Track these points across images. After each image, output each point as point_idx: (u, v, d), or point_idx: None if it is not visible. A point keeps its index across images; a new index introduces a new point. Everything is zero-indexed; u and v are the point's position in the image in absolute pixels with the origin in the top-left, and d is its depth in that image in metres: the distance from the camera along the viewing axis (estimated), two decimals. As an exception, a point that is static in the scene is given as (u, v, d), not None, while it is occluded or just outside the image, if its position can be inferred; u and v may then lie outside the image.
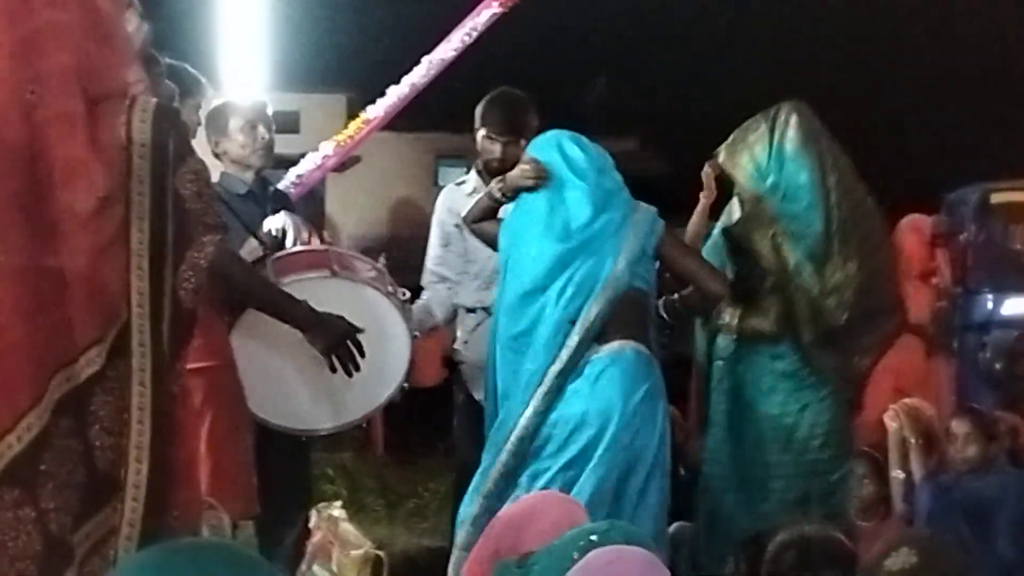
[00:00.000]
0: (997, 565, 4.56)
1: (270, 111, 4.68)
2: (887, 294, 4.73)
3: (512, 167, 4.37)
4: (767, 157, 4.55)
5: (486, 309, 4.85)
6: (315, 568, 3.91)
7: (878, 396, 5.23)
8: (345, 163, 6.41)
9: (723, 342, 4.76)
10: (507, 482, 4.07)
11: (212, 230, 2.58)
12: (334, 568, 3.82)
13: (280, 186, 5.58)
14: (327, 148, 6.55)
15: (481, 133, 4.89)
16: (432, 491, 7.09)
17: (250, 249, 4.21)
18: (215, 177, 4.01)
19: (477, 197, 4.77)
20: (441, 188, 5.33)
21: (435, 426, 6.71)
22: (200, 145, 3.71)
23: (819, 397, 4.51)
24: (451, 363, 5.02)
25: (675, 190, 6.50)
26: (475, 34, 6.57)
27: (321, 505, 4.42)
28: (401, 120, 7.10)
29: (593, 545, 2.49)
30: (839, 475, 4.58)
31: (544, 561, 2.59)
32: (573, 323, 4.05)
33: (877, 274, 4.61)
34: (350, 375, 3.65)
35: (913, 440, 5.04)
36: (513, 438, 4.04)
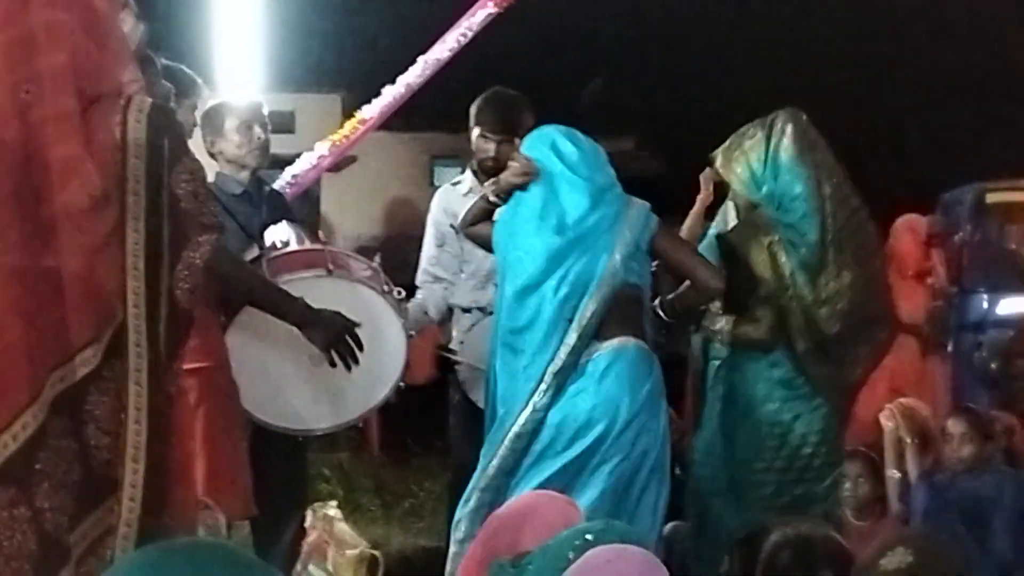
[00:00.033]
0: (993, 564, 4.57)
1: (266, 111, 4.68)
2: (880, 305, 4.72)
3: (507, 166, 4.38)
4: (762, 166, 4.54)
5: (482, 309, 4.86)
6: (311, 568, 3.90)
7: (874, 396, 5.24)
8: (340, 163, 6.41)
9: (718, 346, 4.76)
10: (505, 479, 4.07)
11: (208, 230, 2.58)
12: (330, 568, 3.82)
13: (275, 186, 5.59)
14: (322, 148, 6.55)
15: (475, 132, 4.89)
16: (428, 491, 7.09)
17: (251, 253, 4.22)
18: (211, 177, 4.02)
19: (472, 197, 4.77)
20: (436, 188, 5.33)
21: (431, 426, 6.71)
22: (196, 145, 3.71)
23: (812, 406, 4.50)
24: (443, 361, 5.01)
25: (672, 190, 6.50)
26: (470, 34, 6.57)
27: (317, 505, 4.42)
28: (397, 120, 7.10)
29: (588, 544, 2.49)
30: (829, 482, 4.57)
31: (539, 561, 2.59)
32: (570, 321, 4.05)
33: (871, 284, 4.60)
34: (349, 369, 3.68)
35: (909, 440, 5.06)
36: (511, 436, 4.04)
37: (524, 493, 3.55)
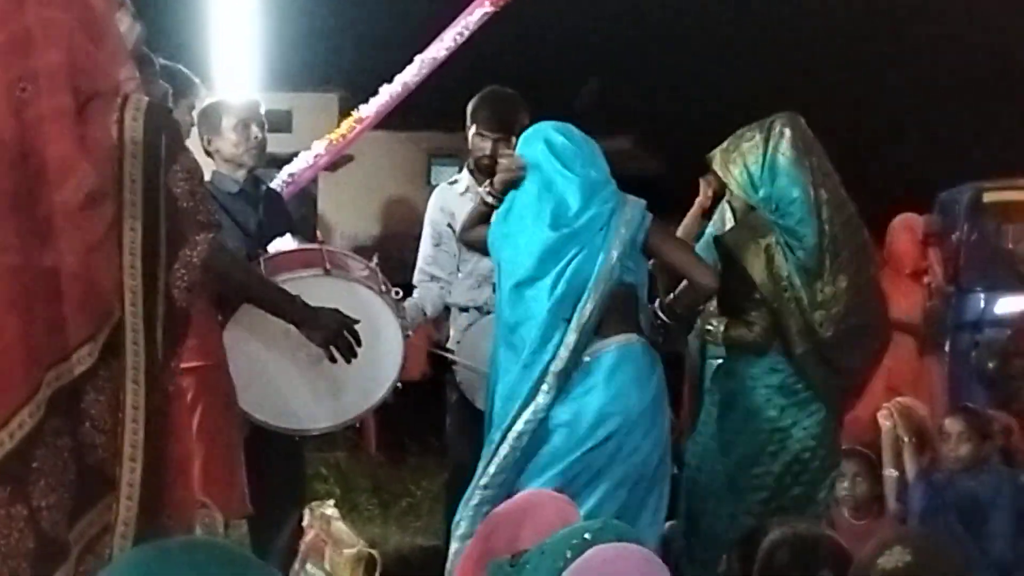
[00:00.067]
0: (990, 564, 4.57)
1: (263, 110, 4.67)
2: (874, 311, 4.71)
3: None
4: (760, 169, 4.54)
5: (479, 308, 4.85)
6: (308, 567, 3.91)
7: (871, 395, 5.23)
8: (337, 162, 6.41)
9: (716, 348, 4.75)
10: (512, 477, 4.05)
11: (205, 228, 2.58)
12: (327, 567, 3.82)
13: (272, 185, 5.58)
14: (319, 147, 6.54)
15: (472, 131, 4.89)
16: (425, 490, 7.09)
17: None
18: (207, 176, 4.02)
19: (470, 196, 4.77)
20: (434, 187, 5.33)
21: (428, 425, 6.71)
22: (193, 144, 3.71)
23: (811, 411, 4.49)
24: (439, 360, 5.01)
25: (670, 189, 6.51)
26: (467, 33, 6.56)
27: (314, 504, 4.43)
28: (394, 119, 7.09)
29: (587, 544, 2.49)
30: (824, 485, 4.57)
31: (536, 559, 2.58)
32: (567, 320, 4.03)
33: (865, 290, 4.60)
34: (349, 362, 3.68)
35: (906, 439, 5.06)
36: (513, 434, 4.01)
37: (522, 492, 3.54)
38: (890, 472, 5.09)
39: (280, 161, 6.48)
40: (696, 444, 4.64)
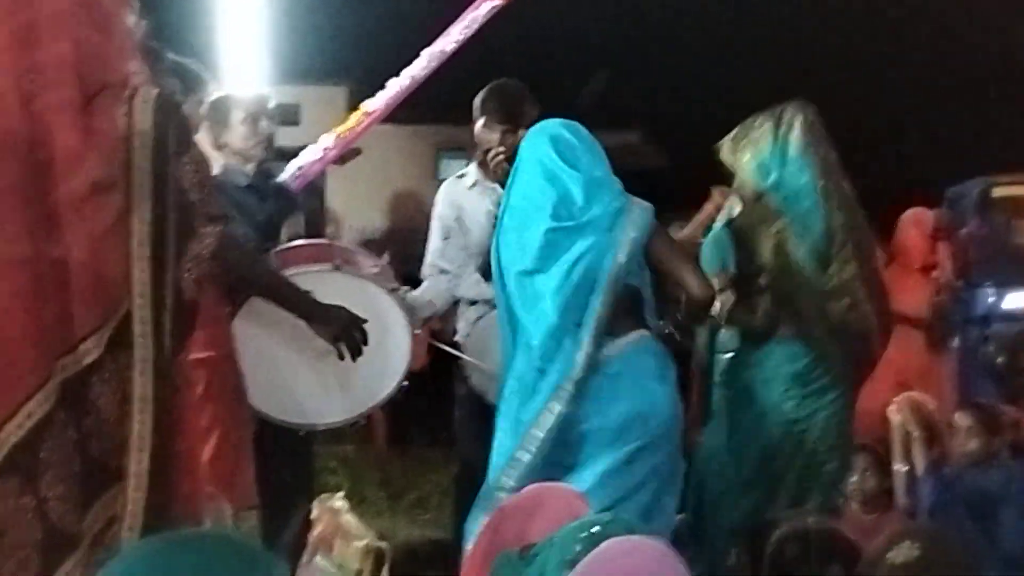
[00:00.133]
0: (1000, 558, 4.56)
1: (272, 103, 4.67)
2: (878, 300, 4.72)
3: (511, 156, 4.37)
4: (770, 155, 4.54)
5: (487, 301, 4.84)
6: (317, 559, 3.92)
7: (880, 390, 5.22)
8: (345, 155, 6.39)
9: (727, 339, 4.75)
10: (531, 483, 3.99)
11: (214, 220, 2.58)
12: (336, 559, 3.82)
13: (281, 178, 5.58)
14: (327, 140, 6.52)
15: (480, 123, 4.88)
16: (433, 483, 7.09)
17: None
18: (216, 169, 4.02)
19: (478, 190, 4.77)
20: (442, 181, 5.32)
21: (436, 419, 6.71)
22: (202, 138, 3.70)
23: (829, 399, 4.49)
24: (437, 351, 5.02)
25: (677, 184, 6.49)
26: (475, 27, 6.55)
27: (323, 497, 4.44)
28: (402, 112, 7.06)
29: (596, 537, 2.48)
30: (839, 475, 4.57)
31: (546, 553, 2.58)
32: (579, 326, 4.00)
33: (868, 282, 4.60)
34: (355, 360, 3.68)
35: (916, 433, 5.04)
36: (534, 441, 3.94)
37: (531, 485, 3.52)
38: (899, 467, 5.07)
39: (288, 154, 6.47)
40: (708, 437, 4.63)
